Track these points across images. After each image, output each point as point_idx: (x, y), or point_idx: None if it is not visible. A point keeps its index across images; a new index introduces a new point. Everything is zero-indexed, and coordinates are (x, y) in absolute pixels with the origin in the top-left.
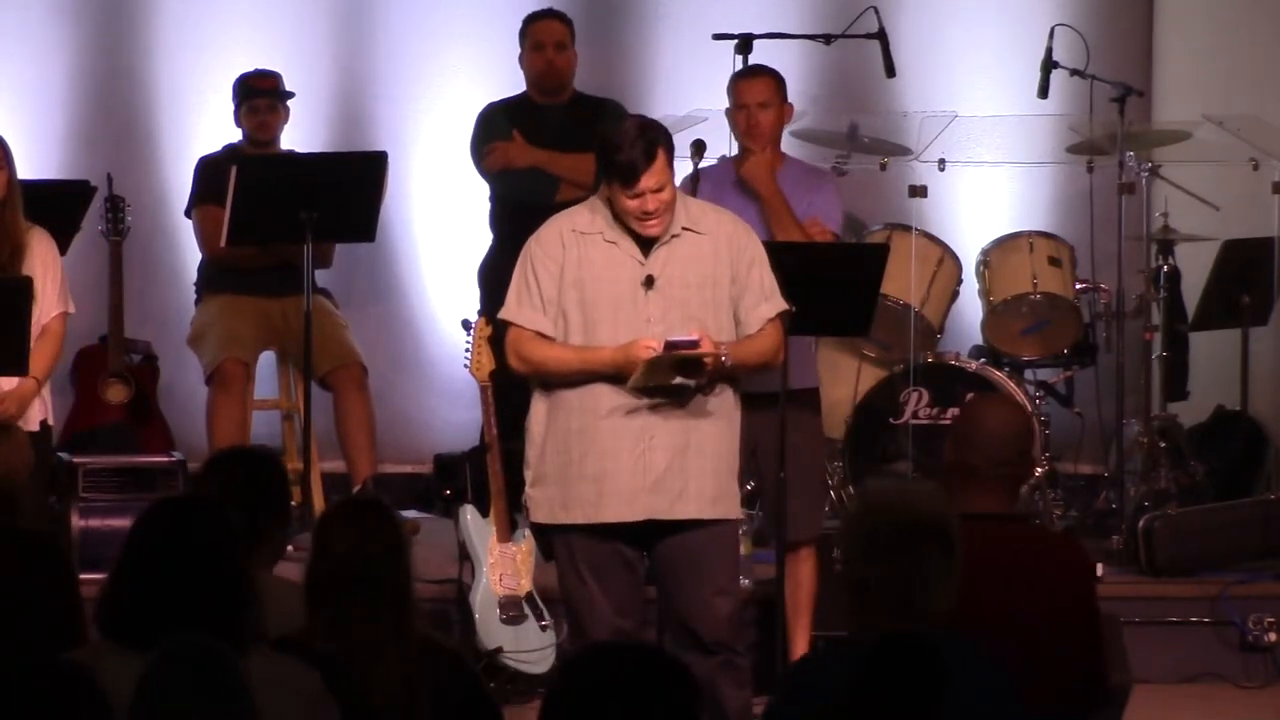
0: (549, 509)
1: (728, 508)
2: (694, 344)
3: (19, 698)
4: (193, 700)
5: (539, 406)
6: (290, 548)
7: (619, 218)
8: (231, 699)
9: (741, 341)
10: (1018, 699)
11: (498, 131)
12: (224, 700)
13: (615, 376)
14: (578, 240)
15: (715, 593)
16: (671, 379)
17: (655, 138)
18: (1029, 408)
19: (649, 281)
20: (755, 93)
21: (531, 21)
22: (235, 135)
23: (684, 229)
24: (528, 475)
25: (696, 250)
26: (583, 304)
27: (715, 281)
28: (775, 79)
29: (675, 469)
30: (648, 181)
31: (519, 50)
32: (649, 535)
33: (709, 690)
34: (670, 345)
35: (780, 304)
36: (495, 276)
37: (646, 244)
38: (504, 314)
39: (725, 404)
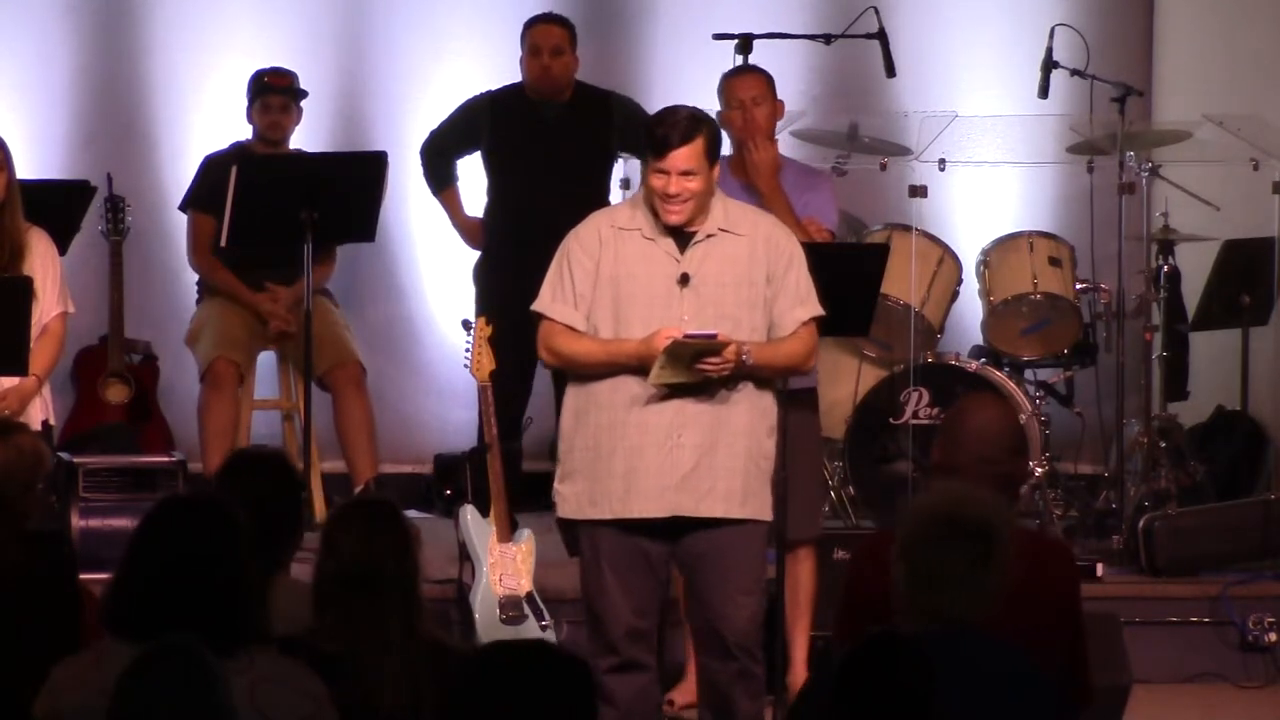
0: (576, 504)
1: (756, 508)
2: (711, 336)
3: None
4: (166, 702)
5: (571, 401)
6: None
7: (658, 214)
8: (208, 702)
9: (768, 343)
10: (1047, 692)
11: (470, 129)
12: (200, 702)
13: (641, 369)
14: (615, 236)
15: (739, 591)
16: (692, 375)
17: (700, 125)
18: (1028, 407)
19: (684, 279)
20: (748, 88)
21: (531, 26)
22: (241, 133)
23: (720, 229)
24: (557, 470)
25: (734, 250)
26: (617, 300)
27: (751, 281)
28: (765, 76)
29: (704, 468)
30: (677, 161)
31: (520, 52)
32: (676, 531)
33: (723, 698)
34: (688, 337)
35: (815, 308)
36: (488, 277)
37: (684, 241)
38: (536, 306)
39: (759, 405)
